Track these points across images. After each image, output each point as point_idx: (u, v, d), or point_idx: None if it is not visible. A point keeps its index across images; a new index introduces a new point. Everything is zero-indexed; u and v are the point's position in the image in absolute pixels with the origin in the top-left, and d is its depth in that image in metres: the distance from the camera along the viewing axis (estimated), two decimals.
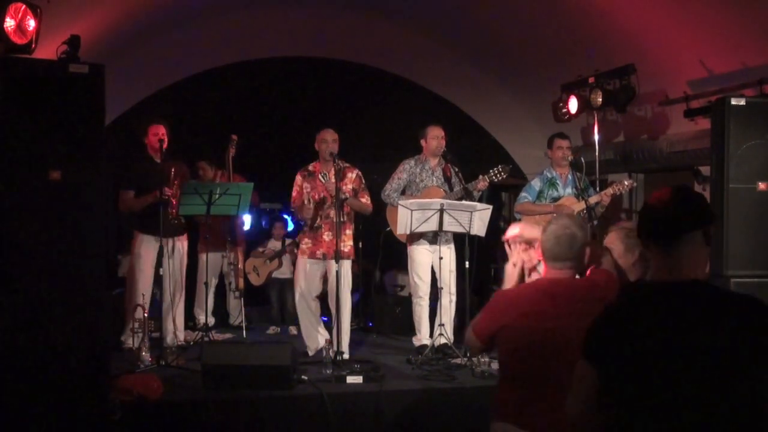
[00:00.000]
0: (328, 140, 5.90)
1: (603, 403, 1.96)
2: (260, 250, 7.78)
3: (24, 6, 4.34)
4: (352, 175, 5.97)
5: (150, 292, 6.08)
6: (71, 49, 4.34)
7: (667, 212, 1.98)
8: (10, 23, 4.27)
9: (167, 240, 5.96)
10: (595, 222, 6.05)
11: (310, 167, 6.04)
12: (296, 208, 6.05)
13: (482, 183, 6.08)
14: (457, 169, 6.21)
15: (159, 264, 5.84)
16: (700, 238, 1.96)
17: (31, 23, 4.38)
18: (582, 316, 2.70)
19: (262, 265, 7.71)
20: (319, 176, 5.91)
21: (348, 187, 5.91)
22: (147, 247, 6.05)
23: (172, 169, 6.05)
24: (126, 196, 6.05)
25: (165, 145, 5.96)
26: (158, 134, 6.01)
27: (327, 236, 5.89)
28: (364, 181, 6.03)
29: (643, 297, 2.00)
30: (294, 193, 6.04)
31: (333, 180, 5.78)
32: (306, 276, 5.95)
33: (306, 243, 5.97)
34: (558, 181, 6.25)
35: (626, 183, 6.12)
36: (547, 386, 2.68)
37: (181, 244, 6.26)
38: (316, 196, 5.94)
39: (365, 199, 6.00)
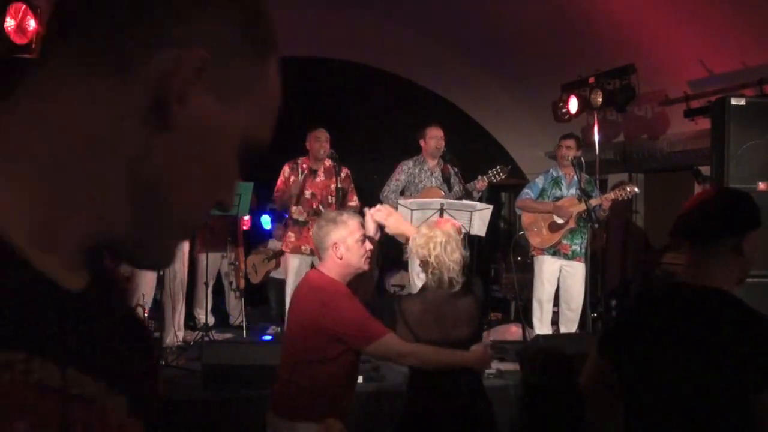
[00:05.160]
0: (321, 139, 5.97)
1: (618, 392, 1.98)
2: (261, 248, 7.79)
3: (24, 6, 4.34)
4: (342, 174, 6.02)
5: (152, 292, 6.09)
6: None
7: (696, 216, 1.90)
8: (10, 23, 4.28)
9: None
10: (596, 225, 6.03)
11: (300, 161, 6.08)
12: (278, 197, 6.05)
13: (481, 183, 6.08)
14: (456, 170, 6.21)
15: None
16: (731, 247, 1.84)
17: (32, 23, 4.38)
18: (301, 319, 2.90)
19: (261, 263, 7.71)
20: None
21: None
22: None
23: None
24: None
25: None
26: None
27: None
28: (352, 181, 6.10)
29: (659, 299, 1.96)
30: (279, 183, 6.06)
31: (332, 179, 5.83)
32: (296, 272, 5.99)
33: (290, 237, 6.01)
34: (563, 181, 6.23)
35: (628, 189, 6.04)
36: (283, 371, 2.97)
37: (183, 244, 6.25)
38: (307, 191, 5.99)
39: (353, 202, 6.04)
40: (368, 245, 2.95)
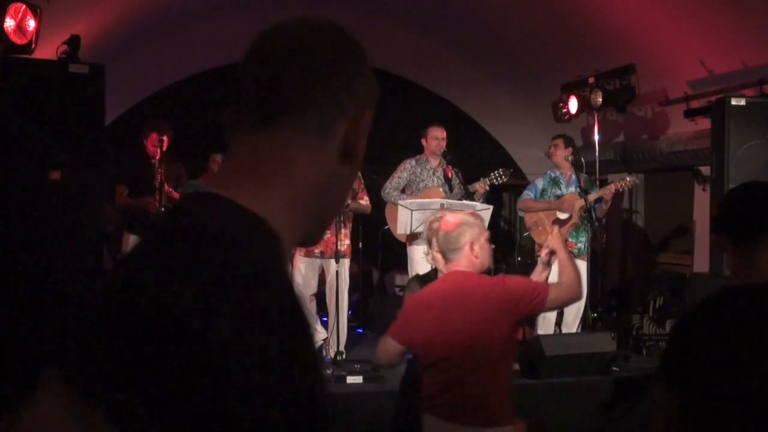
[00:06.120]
0: None
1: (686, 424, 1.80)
2: None
3: (24, 6, 4.34)
4: None
5: None
6: (71, 49, 4.35)
7: (745, 209, 1.81)
8: (10, 23, 4.27)
9: None
10: (597, 223, 6.03)
11: None
12: None
13: (481, 185, 6.09)
14: (457, 170, 6.21)
15: None
16: None
17: (31, 23, 4.38)
18: (480, 311, 2.83)
19: None
20: None
21: None
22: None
23: (160, 171, 5.94)
24: (119, 190, 6.04)
25: (165, 147, 5.94)
26: (155, 144, 5.94)
27: (325, 234, 5.89)
28: (363, 181, 6.04)
29: (720, 305, 1.80)
30: None
31: None
32: (302, 274, 5.96)
33: None
34: (561, 180, 6.23)
35: (628, 179, 6.05)
36: (458, 379, 2.87)
37: None
38: None
39: (364, 200, 6.01)
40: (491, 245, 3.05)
